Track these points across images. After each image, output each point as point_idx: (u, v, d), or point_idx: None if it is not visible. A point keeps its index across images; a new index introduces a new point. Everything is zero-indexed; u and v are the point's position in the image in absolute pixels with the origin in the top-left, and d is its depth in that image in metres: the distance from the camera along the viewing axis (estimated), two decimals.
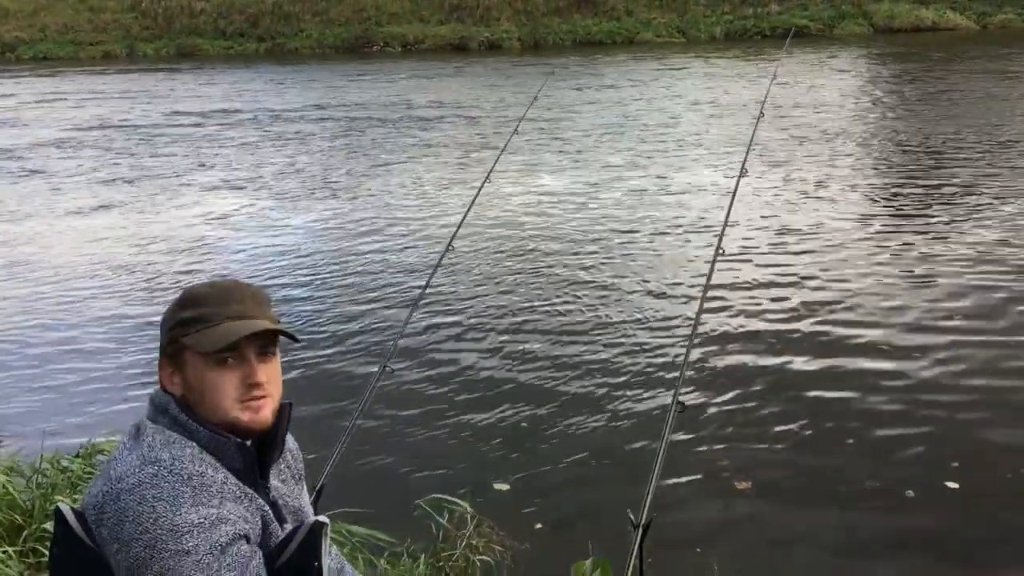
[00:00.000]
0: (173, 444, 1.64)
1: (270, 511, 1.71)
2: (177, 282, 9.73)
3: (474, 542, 3.41)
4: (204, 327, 1.70)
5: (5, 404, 7.37)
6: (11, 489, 4.07)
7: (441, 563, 3.30)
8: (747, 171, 3.58)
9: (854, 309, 7.60)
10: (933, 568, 4.28)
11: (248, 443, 1.74)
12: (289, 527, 1.77)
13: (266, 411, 1.74)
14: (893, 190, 11.92)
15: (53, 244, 11.62)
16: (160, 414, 1.72)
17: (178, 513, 1.52)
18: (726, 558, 4.19)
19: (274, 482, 1.80)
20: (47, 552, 3.83)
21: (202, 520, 1.54)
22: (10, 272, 10.63)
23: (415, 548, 3.46)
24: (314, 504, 2.81)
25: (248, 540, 1.61)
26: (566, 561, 3.74)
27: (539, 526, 4.57)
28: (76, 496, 4.15)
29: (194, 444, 1.66)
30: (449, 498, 3.59)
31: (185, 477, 1.58)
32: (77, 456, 4.56)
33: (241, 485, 1.67)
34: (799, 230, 10.03)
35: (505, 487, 5.03)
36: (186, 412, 1.70)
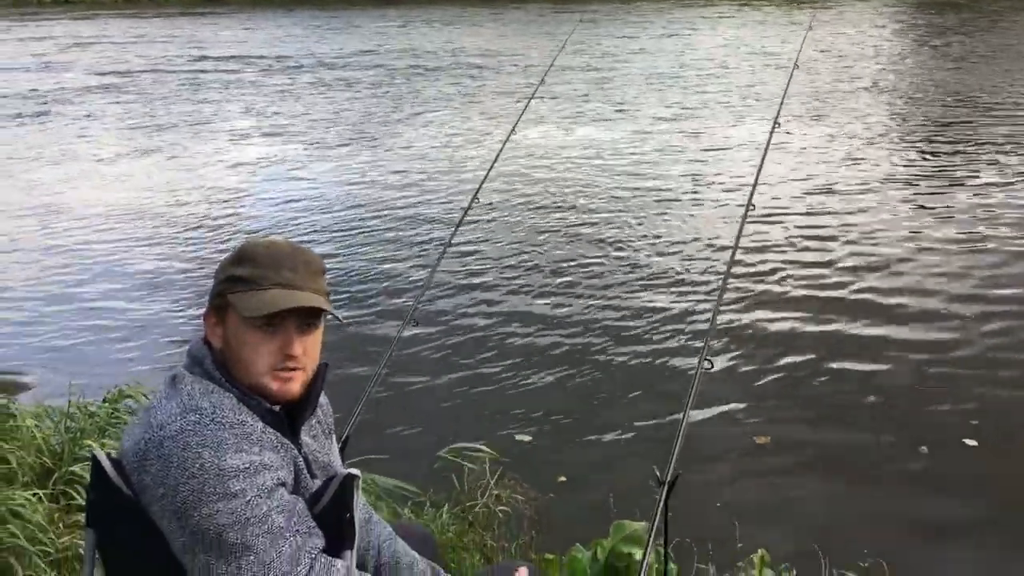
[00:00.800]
0: (212, 393, 1.64)
1: (303, 463, 1.70)
2: (207, 231, 9.77)
3: (496, 493, 3.40)
4: (251, 289, 1.68)
5: (34, 351, 7.47)
6: (39, 434, 4.10)
7: (464, 513, 3.30)
8: (779, 124, 3.47)
9: (887, 270, 7.49)
10: (952, 522, 4.25)
11: (276, 408, 1.73)
12: (319, 482, 1.77)
13: (295, 384, 1.72)
14: (936, 148, 11.65)
15: (86, 190, 11.69)
16: (196, 365, 1.71)
17: (223, 458, 1.52)
18: (747, 513, 4.18)
19: (305, 438, 1.79)
20: (76, 495, 3.89)
21: (246, 465, 1.54)
22: (41, 220, 10.71)
23: (438, 498, 3.46)
24: (341, 452, 2.81)
25: (286, 488, 1.61)
26: (589, 514, 3.74)
27: (562, 479, 4.56)
28: (104, 441, 4.19)
29: (231, 395, 1.66)
30: (472, 446, 3.57)
31: (227, 425, 1.57)
32: (104, 402, 4.60)
33: (278, 435, 1.67)
34: (835, 187, 9.86)
35: (527, 438, 5.03)
36: (220, 369, 1.69)
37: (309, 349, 1.74)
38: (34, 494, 3.80)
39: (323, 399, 1.93)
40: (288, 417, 1.76)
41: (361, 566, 1.79)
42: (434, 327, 6.35)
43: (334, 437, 2.00)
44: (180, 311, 7.72)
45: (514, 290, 7.42)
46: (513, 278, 7.68)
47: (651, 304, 6.92)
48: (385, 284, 7.67)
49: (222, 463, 1.52)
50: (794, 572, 2.62)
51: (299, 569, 1.50)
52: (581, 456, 4.87)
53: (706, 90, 16.13)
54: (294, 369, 1.71)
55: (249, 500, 1.51)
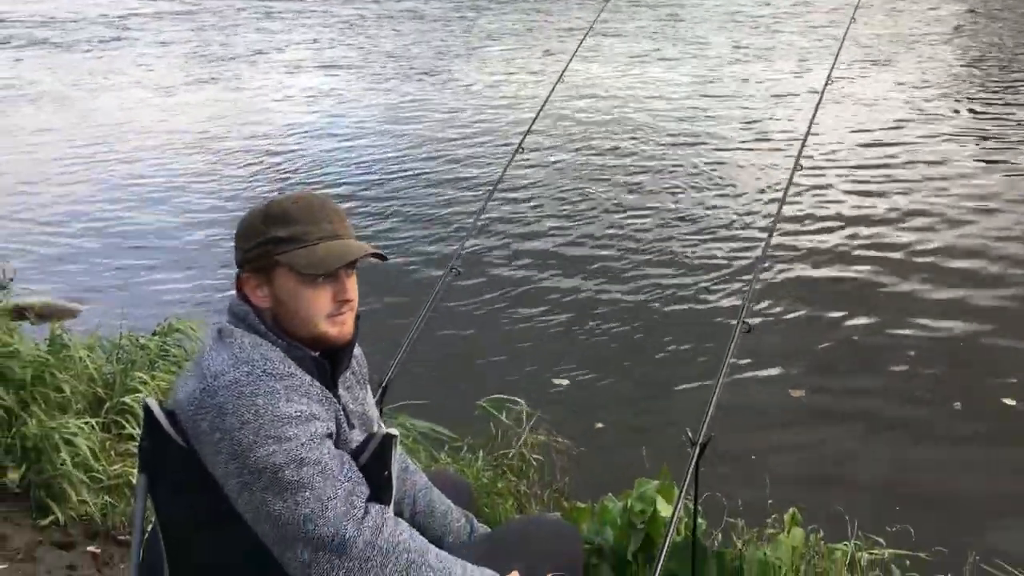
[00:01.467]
0: (261, 347, 1.70)
1: (342, 414, 1.76)
2: (260, 166, 9.85)
3: (531, 441, 3.46)
4: (300, 247, 1.73)
5: (87, 280, 7.66)
6: (92, 364, 4.23)
7: (499, 460, 3.37)
8: (833, 80, 3.41)
9: (942, 229, 7.33)
10: (985, 479, 4.25)
11: (319, 355, 1.78)
12: (356, 432, 1.84)
13: (350, 324, 1.80)
14: (999, 106, 11.23)
15: (144, 120, 11.80)
16: (240, 321, 1.77)
17: (276, 405, 1.59)
18: (780, 468, 4.23)
19: (341, 391, 1.84)
20: (126, 424, 4.02)
21: (298, 413, 1.61)
22: (97, 149, 10.86)
23: (475, 443, 3.53)
24: (380, 400, 2.88)
25: (331, 440, 1.67)
26: (622, 464, 3.80)
27: (599, 425, 4.63)
28: (154, 373, 4.32)
29: (277, 349, 1.72)
30: (510, 398, 3.63)
31: (277, 376, 1.63)
32: (154, 334, 4.71)
33: (323, 388, 1.73)
34: (895, 139, 9.60)
35: (564, 383, 5.11)
36: (265, 324, 1.75)
37: (356, 288, 1.83)
38: (86, 422, 3.94)
39: (357, 350, 1.98)
40: (331, 365, 1.82)
41: (397, 515, 1.85)
42: (477, 274, 6.37)
43: (368, 387, 2.06)
44: (230, 246, 7.84)
45: (559, 237, 7.42)
46: (559, 224, 7.67)
47: (695, 257, 6.90)
48: (430, 227, 7.70)
49: (275, 410, 1.58)
50: (821, 533, 2.65)
51: (355, 512, 1.54)
52: (618, 404, 4.93)
53: (781, 31, 15.63)
54: (349, 311, 1.80)
55: (303, 443, 1.57)
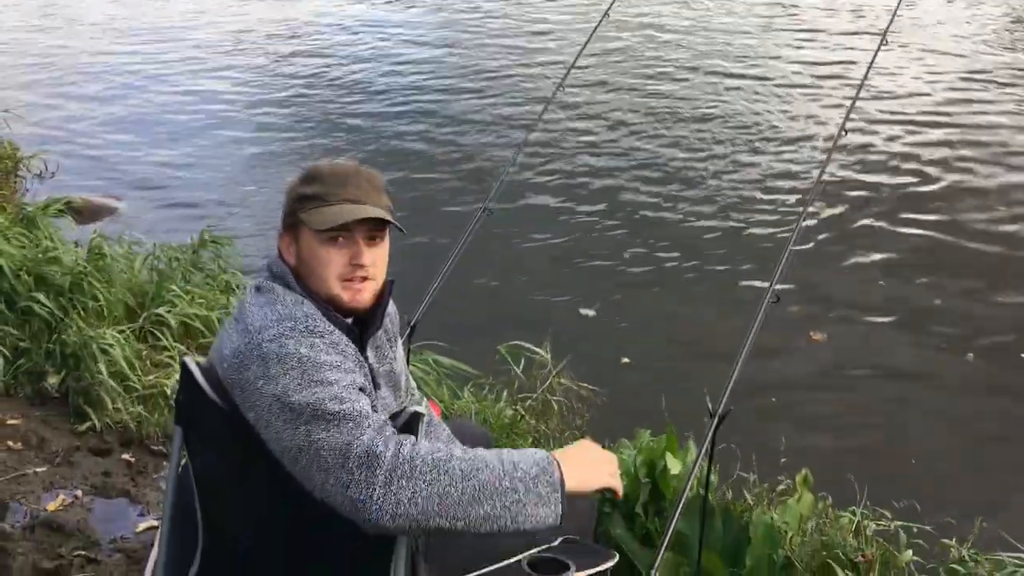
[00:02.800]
0: (303, 304, 1.75)
1: (370, 376, 1.82)
2: (302, 76, 9.75)
3: (554, 385, 3.53)
4: (320, 205, 1.78)
5: (125, 181, 7.75)
6: (128, 274, 4.33)
7: (520, 402, 3.45)
8: (887, 42, 3.32)
9: (990, 188, 7.14)
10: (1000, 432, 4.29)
11: (350, 321, 1.83)
12: (383, 391, 1.91)
13: (366, 294, 1.83)
14: None
15: (209, 20, 11.64)
16: (277, 280, 1.82)
17: (318, 356, 1.65)
18: (796, 421, 4.29)
19: (369, 351, 1.89)
20: (160, 336, 4.14)
21: (338, 363, 1.67)
22: (154, 47, 10.78)
23: (497, 383, 3.60)
24: (408, 339, 2.94)
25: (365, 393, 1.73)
26: (641, 410, 3.86)
27: (625, 360, 4.68)
28: (186, 286, 4.41)
29: (315, 307, 1.76)
30: (531, 347, 3.68)
31: (318, 333, 1.69)
32: (188, 247, 4.79)
33: (355, 348, 1.78)
34: (956, 93, 9.18)
35: (591, 312, 5.17)
36: (299, 284, 1.80)
37: (377, 260, 1.84)
38: (122, 332, 4.06)
39: (391, 308, 2.03)
40: (360, 330, 1.87)
41: None
42: (511, 213, 6.29)
43: (399, 342, 2.11)
44: (269, 165, 7.88)
45: (597, 173, 7.36)
46: (593, 165, 7.58)
47: (735, 201, 6.81)
48: (466, 166, 7.62)
49: (318, 358, 1.64)
50: (829, 500, 2.71)
51: (387, 434, 1.59)
52: (645, 344, 4.97)
53: None
54: (364, 279, 1.82)
55: (344, 385, 1.63)
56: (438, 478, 1.54)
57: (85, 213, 7.03)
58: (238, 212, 6.84)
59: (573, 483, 1.66)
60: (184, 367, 1.71)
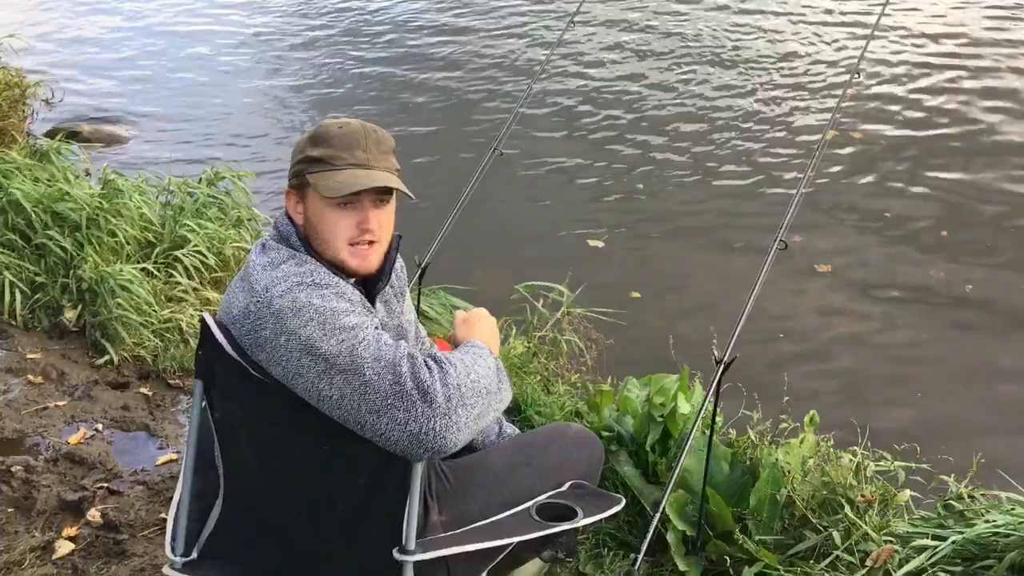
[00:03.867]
0: (307, 262, 1.78)
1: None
2: (316, 13, 9.58)
3: (564, 325, 3.57)
4: (327, 169, 1.79)
5: (135, 110, 7.71)
6: (144, 210, 4.35)
7: (531, 341, 3.50)
8: None
9: (1001, 132, 7.02)
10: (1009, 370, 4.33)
11: (352, 281, 1.86)
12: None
13: (373, 258, 1.85)
14: None
15: None
16: (282, 240, 1.84)
17: (331, 304, 1.68)
18: (800, 360, 4.32)
19: (379, 306, 1.93)
20: (175, 273, 4.18)
21: (351, 308, 1.71)
22: None
23: (508, 321, 3.64)
24: (419, 280, 2.99)
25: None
26: (648, 347, 3.92)
27: (635, 295, 4.71)
28: (199, 221, 4.44)
29: (319, 264, 1.79)
30: (547, 284, 3.71)
31: (324, 285, 1.72)
32: (200, 181, 4.80)
33: (363, 298, 1.82)
34: (968, 40, 8.93)
35: (600, 244, 5.21)
36: (304, 243, 1.83)
37: (384, 223, 1.86)
38: (138, 267, 4.11)
39: (398, 263, 2.05)
40: (364, 289, 1.90)
41: None
42: (521, 155, 6.27)
43: (407, 296, 2.15)
44: (282, 103, 7.82)
45: (605, 115, 7.23)
46: (605, 105, 7.44)
47: (749, 143, 6.72)
48: (475, 108, 7.52)
49: (332, 306, 1.68)
50: (831, 441, 2.77)
51: (434, 374, 1.61)
52: (655, 279, 4.98)
53: None
54: (370, 243, 1.84)
55: (366, 327, 1.67)
56: (478, 400, 1.64)
57: (94, 141, 7.03)
58: (248, 146, 6.81)
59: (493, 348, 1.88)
60: (203, 323, 1.75)
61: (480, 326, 1.92)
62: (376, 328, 1.71)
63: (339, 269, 1.82)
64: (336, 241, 1.81)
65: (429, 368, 1.62)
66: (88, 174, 5.63)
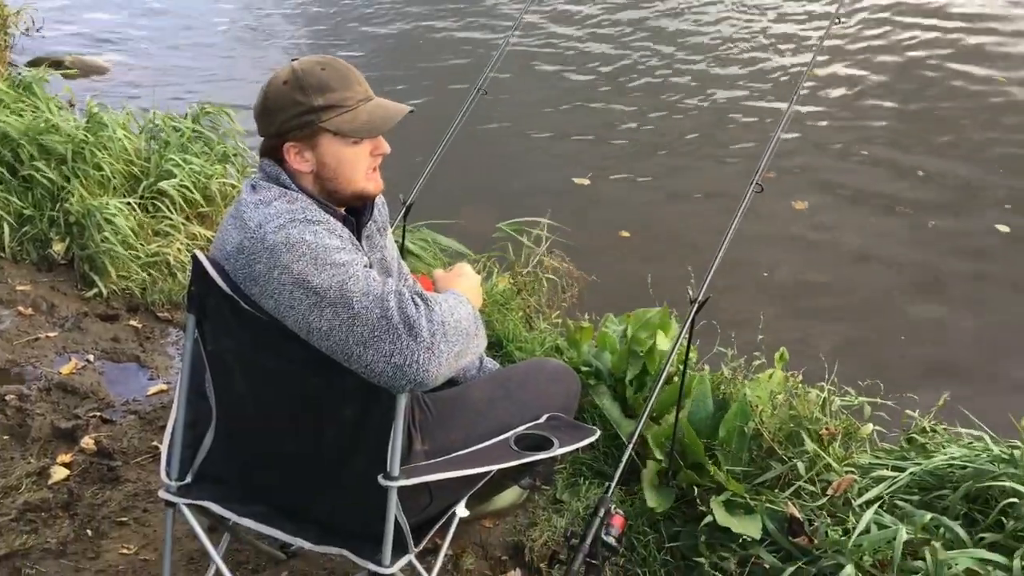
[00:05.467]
0: (297, 199, 1.84)
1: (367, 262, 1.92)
2: None
3: (546, 262, 3.65)
4: (344, 111, 1.85)
5: (116, 38, 7.61)
6: (129, 144, 4.36)
7: (513, 277, 3.57)
8: None
9: (971, 76, 7.06)
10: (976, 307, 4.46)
11: (343, 211, 1.92)
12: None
13: (379, 179, 1.96)
14: None
15: None
16: (272, 180, 1.88)
17: (324, 240, 1.75)
18: (773, 297, 4.42)
19: (363, 241, 2.00)
20: (161, 207, 4.22)
21: (343, 246, 1.77)
22: None
23: (492, 256, 3.72)
24: (404, 217, 3.05)
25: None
26: (627, 284, 4.00)
27: (624, 234, 4.77)
28: (185, 156, 4.46)
29: (310, 201, 1.85)
30: (532, 219, 3.78)
31: (315, 221, 1.79)
32: (185, 116, 4.80)
33: (352, 236, 1.88)
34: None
35: (586, 182, 5.23)
36: (295, 183, 1.88)
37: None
38: (127, 203, 4.15)
39: (379, 199, 2.12)
40: (354, 223, 1.97)
41: None
42: (504, 96, 6.26)
43: (389, 231, 2.22)
44: (260, 32, 7.73)
45: (590, 56, 7.24)
46: (590, 47, 7.44)
47: (723, 97, 6.74)
48: (459, 48, 7.46)
49: (324, 241, 1.74)
50: (799, 376, 2.88)
51: (420, 309, 1.68)
52: (637, 216, 5.05)
53: None
54: (376, 167, 1.94)
55: (356, 262, 1.74)
56: (459, 339, 1.71)
57: (76, 71, 6.98)
58: (231, 82, 6.77)
59: (474, 300, 1.91)
60: (195, 259, 1.81)
61: (459, 281, 1.98)
62: (365, 265, 1.77)
63: (351, 201, 1.92)
64: (358, 174, 1.90)
65: (416, 304, 1.69)
66: (72, 105, 5.61)
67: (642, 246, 4.79)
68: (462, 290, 1.91)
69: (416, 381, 1.66)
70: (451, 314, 1.73)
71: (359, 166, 1.90)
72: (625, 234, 4.90)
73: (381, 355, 1.65)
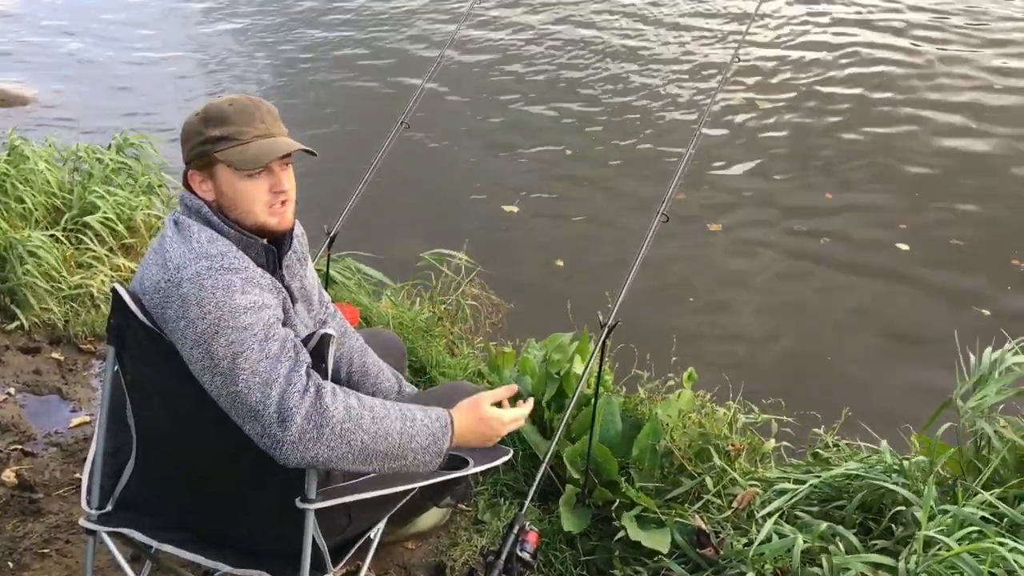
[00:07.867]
0: (217, 241, 1.90)
1: (287, 294, 2.00)
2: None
3: (467, 291, 3.74)
4: (235, 144, 1.91)
5: (39, 71, 7.54)
6: (52, 177, 4.35)
7: (435, 306, 3.66)
8: None
9: (890, 86, 7.41)
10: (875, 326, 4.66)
11: (265, 242, 1.98)
12: (299, 306, 2.10)
13: (289, 214, 2.01)
14: None
15: None
16: (193, 213, 1.95)
17: (233, 298, 1.80)
18: (686, 321, 4.57)
19: (284, 271, 2.07)
20: (85, 239, 4.21)
21: (252, 304, 1.83)
22: None
23: (416, 288, 3.80)
24: (328, 247, 3.12)
25: (279, 322, 1.90)
26: (548, 321, 4.11)
27: (559, 263, 4.88)
28: (108, 188, 4.46)
29: (230, 241, 1.92)
30: (451, 253, 3.87)
31: (233, 269, 1.84)
32: (109, 147, 4.80)
33: (270, 276, 1.95)
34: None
35: (515, 209, 5.30)
36: (217, 215, 1.94)
37: (291, 182, 2.02)
38: (50, 235, 4.13)
39: (298, 229, 2.20)
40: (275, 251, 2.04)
41: (334, 373, 2.11)
42: (427, 129, 6.40)
43: (309, 260, 2.29)
44: (185, 62, 7.74)
45: (512, 86, 7.42)
46: (512, 77, 7.62)
47: (638, 115, 6.97)
48: (383, 81, 7.58)
49: (232, 301, 1.80)
50: (709, 396, 3.01)
51: (294, 389, 1.76)
52: (557, 245, 5.18)
53: None
54: (284, 202, 1.99)
55: (256, 333, 1.80)
56: (340, 446, 1.77)
57: None
58: (153, 114, 6.76)
59: (461, 442, 1.98)
60: (115, 293, 1.87)
61: (477, 424, 2.02)
62: (273, 322, 1.83)
63: (260, 234, 1.97)
64: (255, 207, 1.95)
65: (304, 393, 1.77)
66: None
67: (564, 271, 4.93)
68: (462, 424, 1.97)
69: (279, 461, 1.76)
70: (359, 420, 1.79)
71: (257, 199, 1.94)
72: (559, 263, 5.02)
73: (254, 433, 1.77)
